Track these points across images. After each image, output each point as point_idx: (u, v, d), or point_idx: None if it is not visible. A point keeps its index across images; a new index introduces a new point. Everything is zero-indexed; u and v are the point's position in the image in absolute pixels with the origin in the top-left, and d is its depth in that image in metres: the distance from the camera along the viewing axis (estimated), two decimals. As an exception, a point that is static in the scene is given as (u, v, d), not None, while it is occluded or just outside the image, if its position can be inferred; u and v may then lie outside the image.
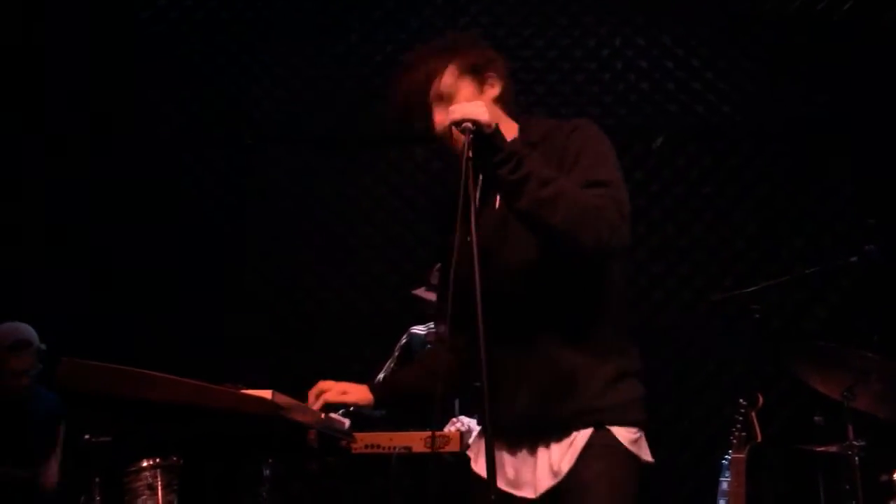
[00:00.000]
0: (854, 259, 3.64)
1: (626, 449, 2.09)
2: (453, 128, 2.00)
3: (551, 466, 2.09)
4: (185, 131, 5.09)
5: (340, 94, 5.09)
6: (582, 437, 2.08)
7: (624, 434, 2.10)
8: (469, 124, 1.96)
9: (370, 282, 4.94)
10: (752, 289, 3.76)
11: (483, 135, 1.97)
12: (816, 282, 4.56)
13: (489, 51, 2.28)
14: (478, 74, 2.22)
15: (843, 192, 4.78)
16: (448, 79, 2.19)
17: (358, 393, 2.25)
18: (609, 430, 2.09)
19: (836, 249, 4.48)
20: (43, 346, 4.00)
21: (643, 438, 2.16)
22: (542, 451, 2.11)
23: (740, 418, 3.47)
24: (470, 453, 2.30)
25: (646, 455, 2.15)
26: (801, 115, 4.86)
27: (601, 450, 2.07)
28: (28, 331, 4.02)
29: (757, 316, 3.77)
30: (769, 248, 4.75)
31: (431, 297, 3.82)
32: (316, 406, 2.19)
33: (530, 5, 5.08)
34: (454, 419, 3.64)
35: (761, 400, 3.47)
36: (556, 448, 2.10)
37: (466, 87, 2.19)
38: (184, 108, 5.10)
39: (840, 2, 4.89)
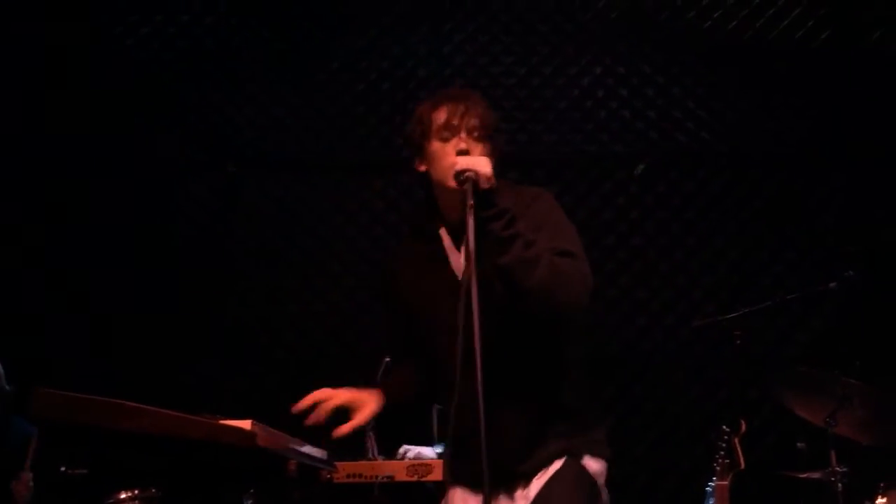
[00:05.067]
0: (833, 285, 3.66)
1: (593, 480, 2.21)
2: (454, 176, 2.10)
3: (527, 496, 2.17)
4: (167, 158, 5.08)
5: (324, 122, 5.10)
6: (554, 466, 2.18)
7: (593, 465, 2.21)
8: (471, 174, 2.06)
9: (354, 310, 4.92)
10: (734, 315, 3.76)
11: (480, 189, 2.06)
12: (798, 308, 4.59)
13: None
14: (494, 139, 2.29)
15: (823, 218, 4.83)
16: (489, 123, 2.26)
17: (370, 402, 2.26)
18: (579, 460, 2.19)
19: (817, 275, 4.51)
20: (7, 387, 3.91)
21: (605, 474, 2.27)
22: (519, 492, 2.19)
23: (723, 445, 3.46)
24: None
25: (605, 491, 2.26)
26: (781, 142, 4.92)
27: (570, 478, 2.17)
28: None
29: (739, 342, 3.77)
30: (750, 273, 4.78)
31: None
32: (321, 416, 2.20)
33: (513, 34, 5.12)
34: (406, 446, 3.61)
35: (744, 426, 3.46)
36: (534, 482, 2.18)
37: (486, 145, 2.26)
38: (167, 135, 5.09)
39: (818, 29, 4.96)
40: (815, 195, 4.84)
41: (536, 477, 2.18)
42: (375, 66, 5.13)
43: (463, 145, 2.19)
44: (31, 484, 3.75)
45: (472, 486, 2.24)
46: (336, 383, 4.82)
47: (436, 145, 2.23)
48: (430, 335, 2.28)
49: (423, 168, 2.28)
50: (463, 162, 2.09)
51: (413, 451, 3.50)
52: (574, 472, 2.18)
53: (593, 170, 4.93)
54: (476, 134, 2.22)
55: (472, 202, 2.03)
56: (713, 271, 4.82)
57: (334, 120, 5.10)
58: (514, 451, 2.17)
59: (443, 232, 2.27)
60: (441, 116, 2.23)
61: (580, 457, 2.20)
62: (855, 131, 4.83)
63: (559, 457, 2.19)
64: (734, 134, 4.96)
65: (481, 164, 2.08)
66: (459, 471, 2.24)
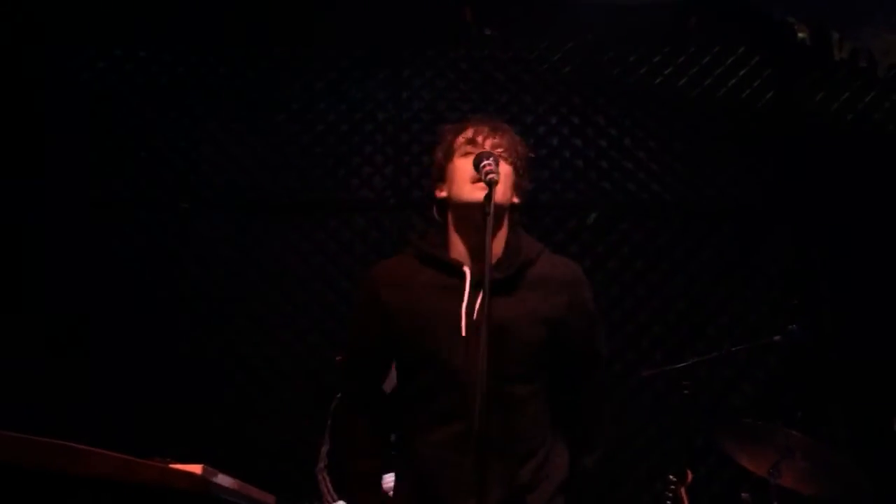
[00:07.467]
0: (778, 338, 3.74)
1: None
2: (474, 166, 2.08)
3: None
4: (121, 194, 5.02)
5: (280, 162, 5.10)
6: None
7: None
8: (495, 175, 2.02)
9: (304, 351, 4.88)
10: (682, 364, 3.82)
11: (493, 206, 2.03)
12: (744, 359, 4.68)
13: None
14: (521, 173, 2.25)
15: (769, 272, 4.95)
16: (516, 149, 2.22)
17: None
18: None
19: (763, 328, 4.61)
20: None
21: None
22: None
23: (670, 494, 3.49)
24: None
25: None
26: (728, 196, 5.06)
27: None
28: None
29: (687, 392, 3.82)
30: (698, 324, 4.87)
31: None
32: None
33: (471, 82, 5.21)
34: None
35: (690, 476, 3.50)
36: None
37: (510, 176, 2.19)
38: (121, 171, 5.03)
39: (763, 91, 5.15)
40: (762, 249, 4.97)
41: None
42: (334, 108, 5.17)
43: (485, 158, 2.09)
44: None
45: None
46: (287, 426, 4.76)
47: (457, 162, 2.15)
48: (426, 363, 2.17)
49: (443, 193, 2.19)
50: (487, 167, 2.03)
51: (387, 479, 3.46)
52: None
53: (546, 217, 5.00)
54: (501, 151, 2.14)
55: (489, 209, 1.97)
56: (662, 321, 4.90)
57: (290, 160, 5.11)
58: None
59: (467, 269, 2.15)
60: (467, 135, 2.18)
61: None
62: (800, 188, 4.99)
63: None
64: (684, 187, 5.09)
65: (503, 171, 2.07)
66: None
